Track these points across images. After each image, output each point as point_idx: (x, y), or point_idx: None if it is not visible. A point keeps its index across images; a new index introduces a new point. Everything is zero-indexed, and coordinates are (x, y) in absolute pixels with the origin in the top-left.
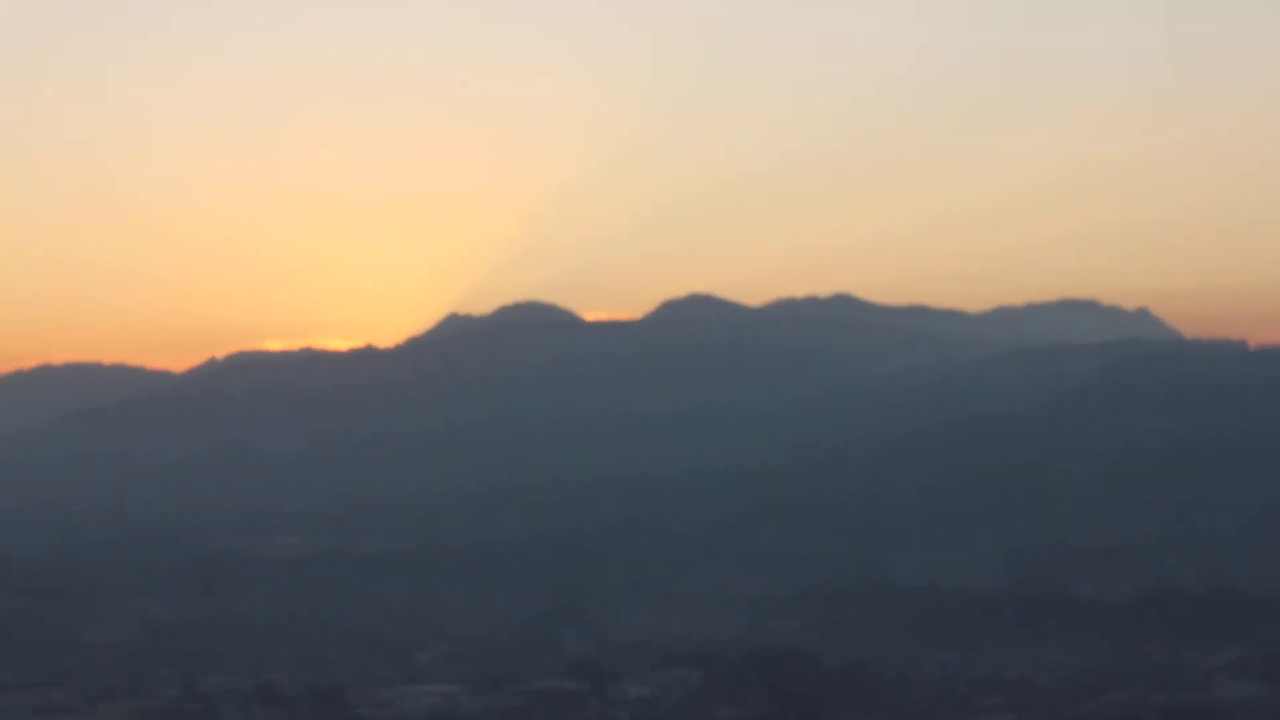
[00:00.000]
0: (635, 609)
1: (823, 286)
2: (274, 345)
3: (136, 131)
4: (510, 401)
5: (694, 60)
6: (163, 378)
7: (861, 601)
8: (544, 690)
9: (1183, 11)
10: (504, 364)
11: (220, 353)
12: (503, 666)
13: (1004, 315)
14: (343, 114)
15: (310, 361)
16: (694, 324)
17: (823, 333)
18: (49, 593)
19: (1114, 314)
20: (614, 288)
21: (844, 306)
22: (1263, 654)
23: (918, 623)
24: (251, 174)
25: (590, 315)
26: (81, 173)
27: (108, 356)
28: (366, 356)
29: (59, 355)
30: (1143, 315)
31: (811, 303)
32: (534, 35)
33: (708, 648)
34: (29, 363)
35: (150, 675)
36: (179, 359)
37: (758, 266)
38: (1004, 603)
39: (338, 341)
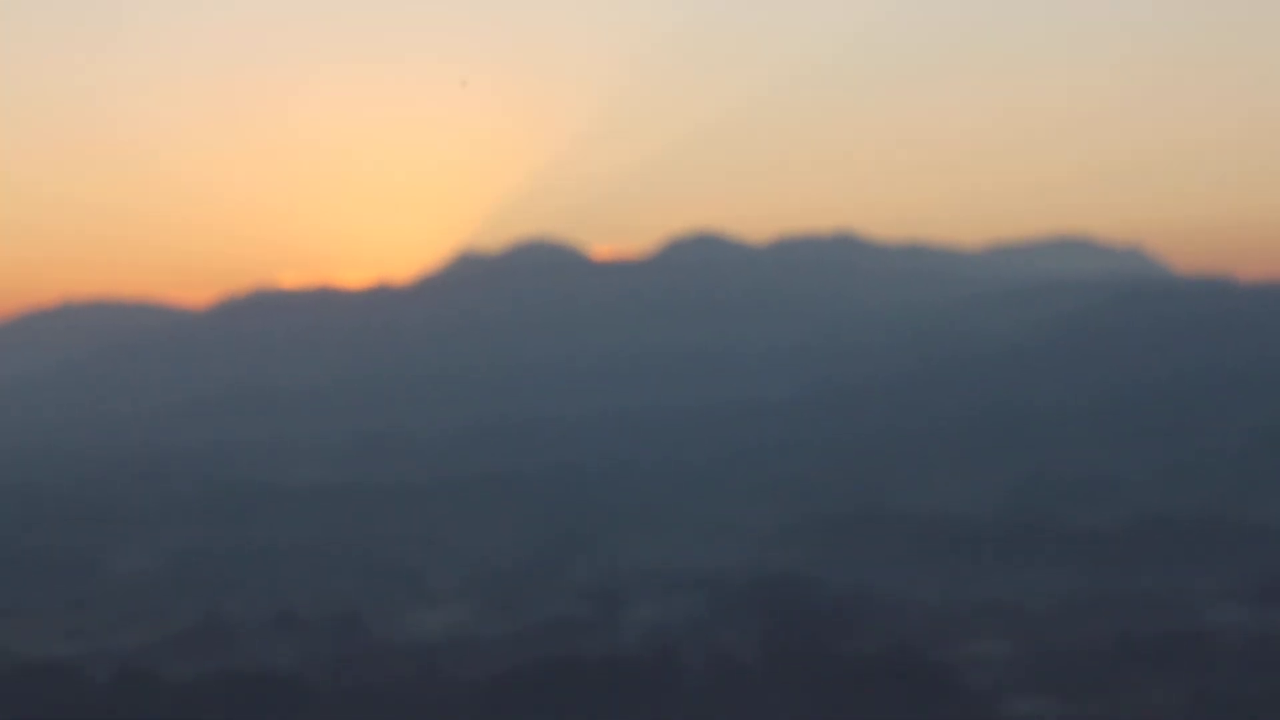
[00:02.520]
0: (643, 537)
1: (824, 221)
2: (290, 279)
3: (149, 68)
4: (520, 340)
5: (703, 2)
6: (183, 315)
7: (862, 529)
8: (555, 615)
9: None
10: (514, 304)
11: (238, 285)
12: (514, 592)
13: (999, 252)
14: (348, 40)
15: (327, 300)
16: (699, 263)
17: (824, 270)
18: (75, 523)
19: (1108, 249)
20: (622, 222)
21: (844, 245)
22: (1253, 581)
23: (917, 549)
24: (265, 109)
25: (598, 248)
26: (98, 113)
27: (129, 292)
28: (381, 295)
29: (80, 292)
30: (1135, 251)
31: (813, 242)
32: None
33: (714, 574)
34: (51, 300)
35: (173, 601)
36: (198, 292)
37: (761, 201)
38: (1000, 531)
39: (353, 273)
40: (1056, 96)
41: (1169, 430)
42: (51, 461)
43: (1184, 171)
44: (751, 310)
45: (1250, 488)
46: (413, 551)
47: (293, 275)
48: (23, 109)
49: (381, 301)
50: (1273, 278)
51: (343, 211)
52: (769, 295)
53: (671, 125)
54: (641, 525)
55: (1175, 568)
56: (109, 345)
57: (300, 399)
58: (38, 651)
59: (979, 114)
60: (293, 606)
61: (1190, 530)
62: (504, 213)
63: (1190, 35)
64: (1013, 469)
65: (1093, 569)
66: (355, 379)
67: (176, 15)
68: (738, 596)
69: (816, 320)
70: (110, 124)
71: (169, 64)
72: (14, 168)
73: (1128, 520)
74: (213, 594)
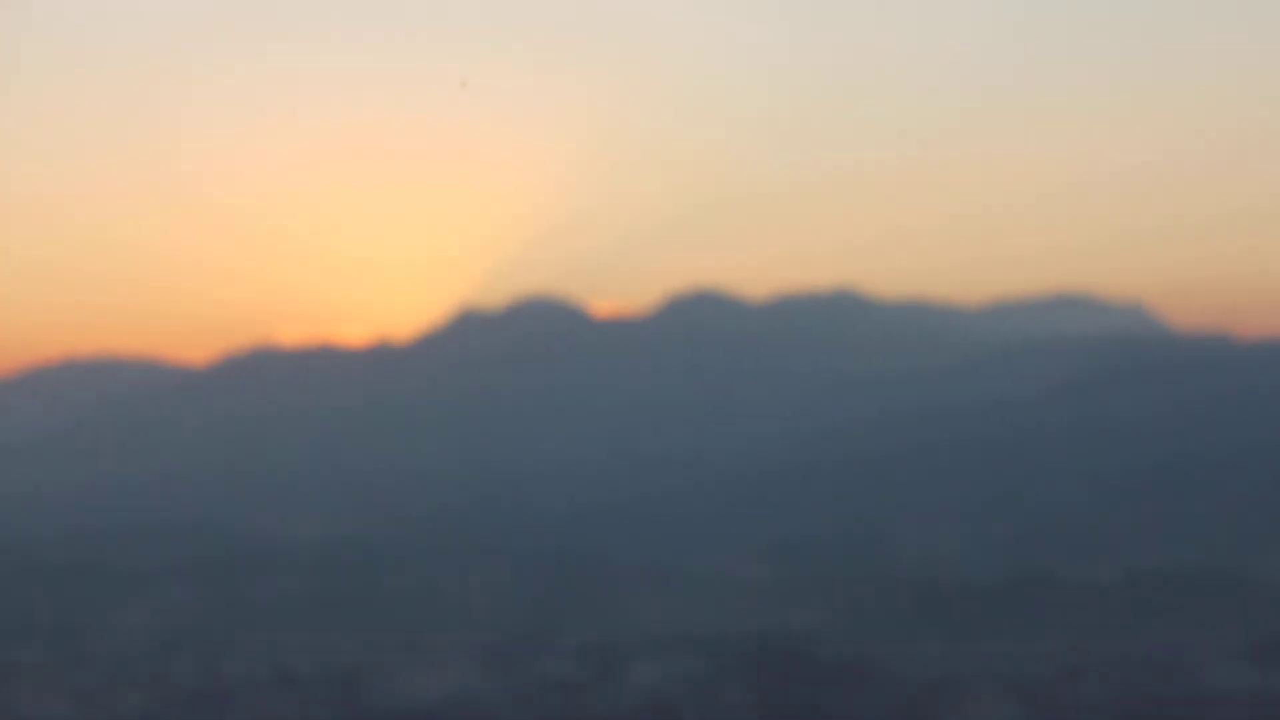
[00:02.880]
0: (642, 596)
1: (825, 278)
2: (289, 336)
3: (147, 122)
4: (521, 399)
5: (703, 58)
6: (183, 373)
7: (863, 589)
8: (554, 675)
9: (1172, 17)
10: (515, 362)
11: (237, 341)
12: (513, 652)
13: (1000, 310)
14: (353, 84)
15: (327, 357)
16: (699, 320)
17: (824, 328)
18: (72, 579)
19: (1109, 308)
20: (623, 279)
21: (845, 302)
22: (1250, 639)
23: (918, 610)
24: (266, 162)
25: (599, 305)
26: (102, 169)
27: (130, 348)
28: (382, 353)
29: (83, 348)
30: (1135, 309)
31: (814, 300)
32: (545, 31)
33: (714, 634)
34: (54, 357)
35: (172, 660)
36: (199, 349)
37: (762, 259)
38: (1001, 591)
39: (352, 328)
40: (1057, 155)
41: (1169, 487)
42: (50, 519)
43: (1184, 229)
44: (752, 368)
45: (1250, 545)
46: (412, 611)
47: (292, 332)
48: (26, 165)
49: (382, 359)
50: (1270, 334)
51: (342, 267)
52: (769, 353)
53: (673, 182)
54: (641, 584)
55: (1176, 626)
56: (110, 402)
57: (300, 458)
58: (35, 712)
59: (980, 172)
60: (292, 666)
61: (1190, 587)
62: (505, 269)
63: (1188, 95)
64: (1013, 528)
65: (1093, 628)
66: (355, 438)
67: (174, 70)
68: (738, 657)
69: (817, 378)
70: (111, 180)
71: (168, 120)
72: (17, 222)
73: (1128, 579)
74: (211, 653)
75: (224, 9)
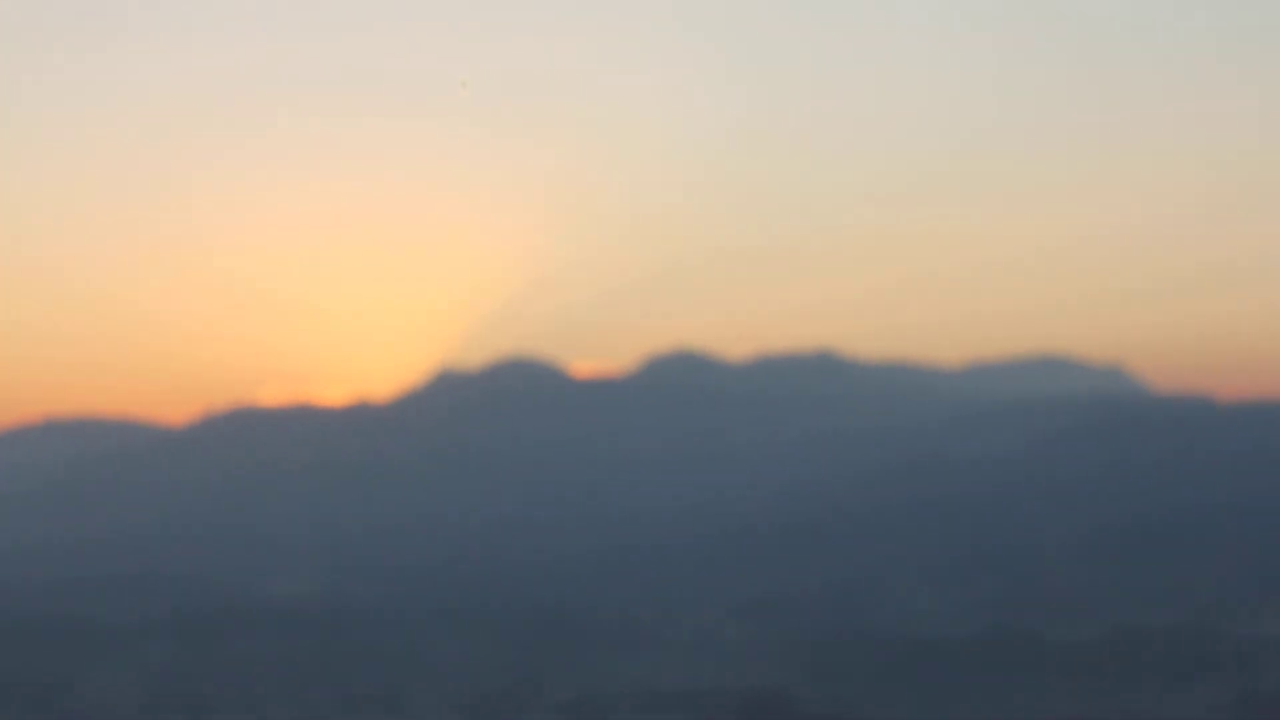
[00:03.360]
0: (625, 654)
1: (805, 339)
2: (269, 396)
3: (131, 186)
4: (498, 461)
5: (683, 120)
6: (163, 432)
7: (844, 648)
8: None
9: (1148, 81)
10: (494, 422)
11: (215, 400)
12: (495, 712)
13: (979, 370)
14: (335, 149)
15: (306, 418)
16: (679, 381)
17: (805, 389)
18: (52, 635)
19: (1087, 368)
20: (602, 340)
21: (825, 363)
22: (1234, 696)
23: (898, 669)
24: (248, 226)
25: (577, 365)
26: (82, 221)
27: (110, 408)
28: (362, 414)
29: (63, 409)
30: (1115, 370)
31: (794, 360)
32: (522, 94)
33: (696, 692)
34: (35, 417)
35: (150, 718)
36: (178, 408)
37: (741, 320)
38: (981, 651)
39: (331, 388)
40: (1036, 217)
41: (1150, 545)
42: (30, 574)
43: (1162, 290)
44: (732, 427)
45: (1232, 603)
46: (392, 672)
47: (272, 391)
48: (7, 225)
49: (362, 420)
50: (1250, 396)
51: (322, 328)
52: (750, 412)
53: (652, 243)
54: (622, 641)
55: (1159, 684)
56: (90, 462)
57: (280, 516)
58: None
59: (959, 234)
60: None
61: (1173, 645)
62: (483, 330)
63: (1169, 157)
64: (993, 586)
65: (1075, 687)
66: (335, 496)
67: (160, 134)
68: (719, 713)
69: (797, 438)
70: (92, 242)
71: (151, 182)
72: None
73: (1110, 637)
74: (192, 712)
75: (212, 79)
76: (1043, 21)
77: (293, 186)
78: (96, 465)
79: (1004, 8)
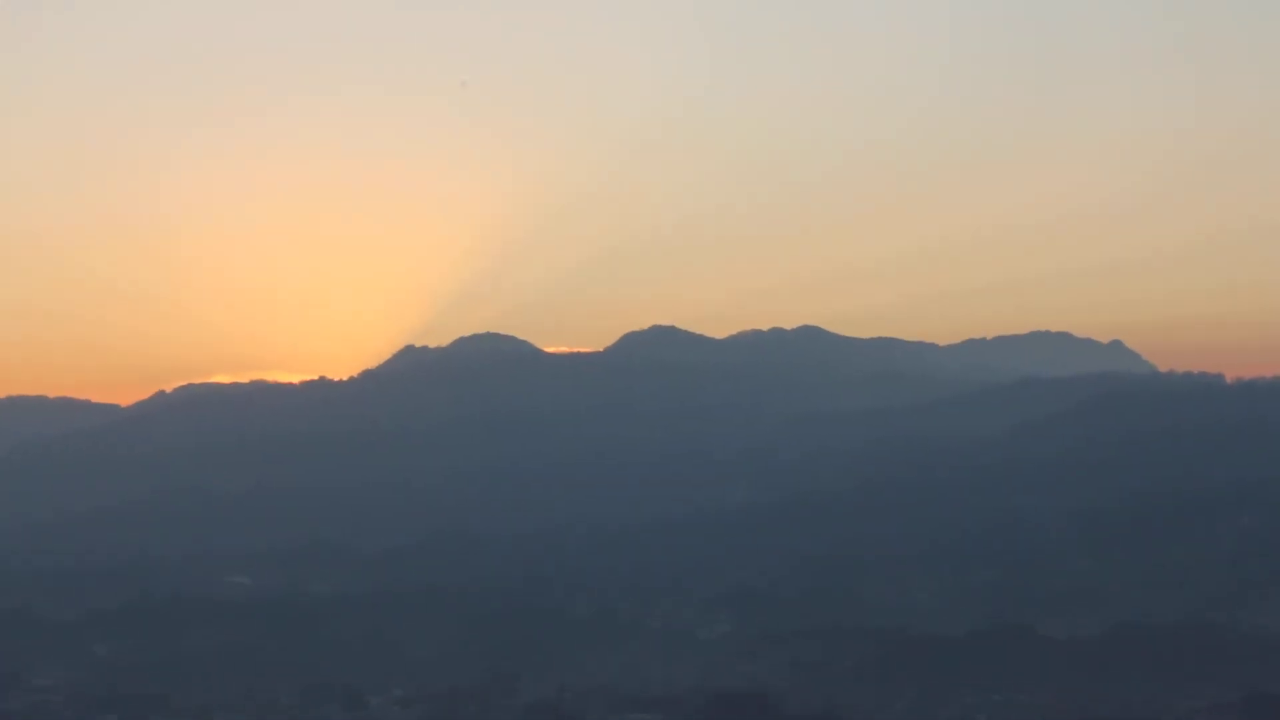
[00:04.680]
0: (595, 651)
1: (789, 319)
2: (224, 378)
3: (76, 164)
4: (468, 438)
5: (656, 92)
6: (109, 411)
7: (828, 642)
8: None
9: (1152, 51)
10: (462, 397)
11: (169, 386)
12: (460, 709)
13: (974, 348)
14: (296, 137)
15: (261, 394)
16: (657, 356)
17: (789, 365)
18: None
19: (1087, 346)
20: (575, 320)
21: (811, 338)
22: (1242, 695)
23: (885, 663)
24: (205, 203)
25: (551, 348)
26: (28, 207)
27: (53, 390)
28: (319, 389)
29: (2, 389)
30: (1116, 347)
31: (778, 334)
32: (494, 69)
33: (670, 690)
34: None
35: (96, 718)
36: (127, 393)
37: (722, 299)
38: (973, 642)
39: (290, 374)
40: (1034, 196)
41: (1152, 535)
42: None
43: (1165, 268)
44: (712, 408)
45: (1237, 595)
46: (350, 665)
47: (228, 373)
48: None
49: (319, 396)
50: (1260, 376)
51: (282, 309)
52: (730, 392)
53: (630, 220)
54: (594, 638)
55: (1159, 678)
56: (31, 443)
57: (232, 502)
58: None
59: (955, 212)
60: None
61: (1174, 640)
62: (451, 308)
63: (1172, 135)
64: (988, 578)
65: (1072, 681)
66: (290, 479)
67: (116, 111)
68: (699, 713)
69: (779, 417)
70: (42, 220)
71: (103, 160)
72: None
73: (1108, 630)
74: (138, 709)
75: (174, 60)
76: None
77: (255, 168)
78: (37, 447)
79: None
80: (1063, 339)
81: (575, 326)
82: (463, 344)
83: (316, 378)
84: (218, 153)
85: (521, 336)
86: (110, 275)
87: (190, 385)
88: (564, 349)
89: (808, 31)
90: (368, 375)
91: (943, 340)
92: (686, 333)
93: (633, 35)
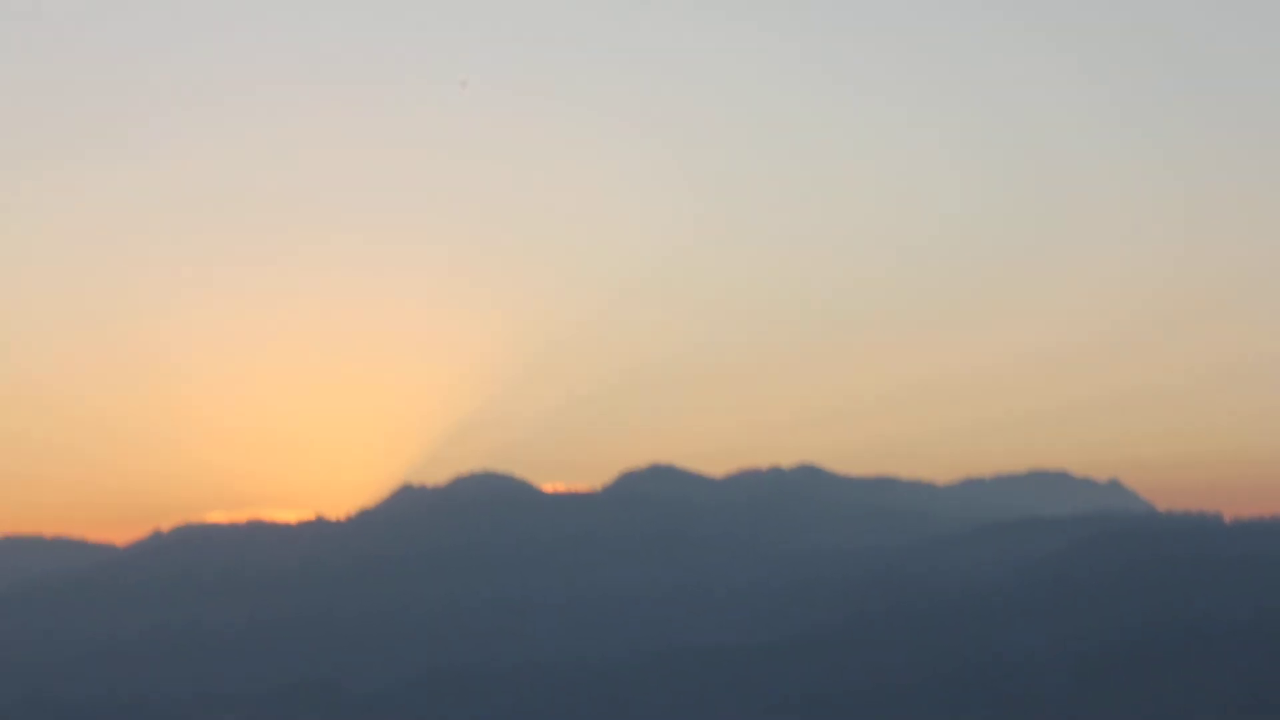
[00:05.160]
0: None
1: (787, 457)
2: (220, 516)
3: (75, 305)
4: (465, 577)
5: (654, 231)
6: (105, 551)
7: None
8: None
9: (1147, 187)
10: (459, 538)
11: (165, 524)
12: None
13: (973, 487)
14: (292, 277)
15: (257, 534)
16: (655, 495)
17: (787, 504)
18: None
19: (1085, 485)
20: (572, 458)
21: (809, 477)
22: None
23: None
24: (196, 341)
25: (548, 486)
26: (22, 348)
27: (49, 529)
28: (316, 529)
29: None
30: (1114, 486)
31: (776, 474)
32: (486, 206)
33: None
34: None
35: None
36: (123, 532)
37: (719, 437)
38: None
39: (286, 513)
40: (1033, 336)
41: (1150, 674)
42: None
43: (1162, 407)
44: (710, 546)
45: None
46: None
47: (224, 512)
48: None
49: (315, 536)
50: (1260, 515)
51: (276, 448)
52: (728, 530)
53: (624, 357)
54: None
55: None
56: (26, 582)
57: (226, 642)
58: None
59: (953, 351)
60: None
61: None
62: (446, 446)
63: (1167, 271)
64: (984, 716)
65: None
66: (285, 621)
67: (114, 252)
68: None
69: (778, 557)
70: (32, 362)
71: (101, 301)
72: None
73: None
74: None
75: (171, 198)
76: (1025, 126)
77: (250, 309)
78: (31, 587)
79: (983, 115)
80: (1060, 478)
81: (572, 463)
82: (460, 483)
83: (313, 517)
84: (214, 294)
85: (519, 474)
86: (106, 415)
87: (187, 524)
88: (561, 487)
89: (804, 169)
90: (364, 515)
91: (941, 479)
92: (684, 471)
93: (626, 176)
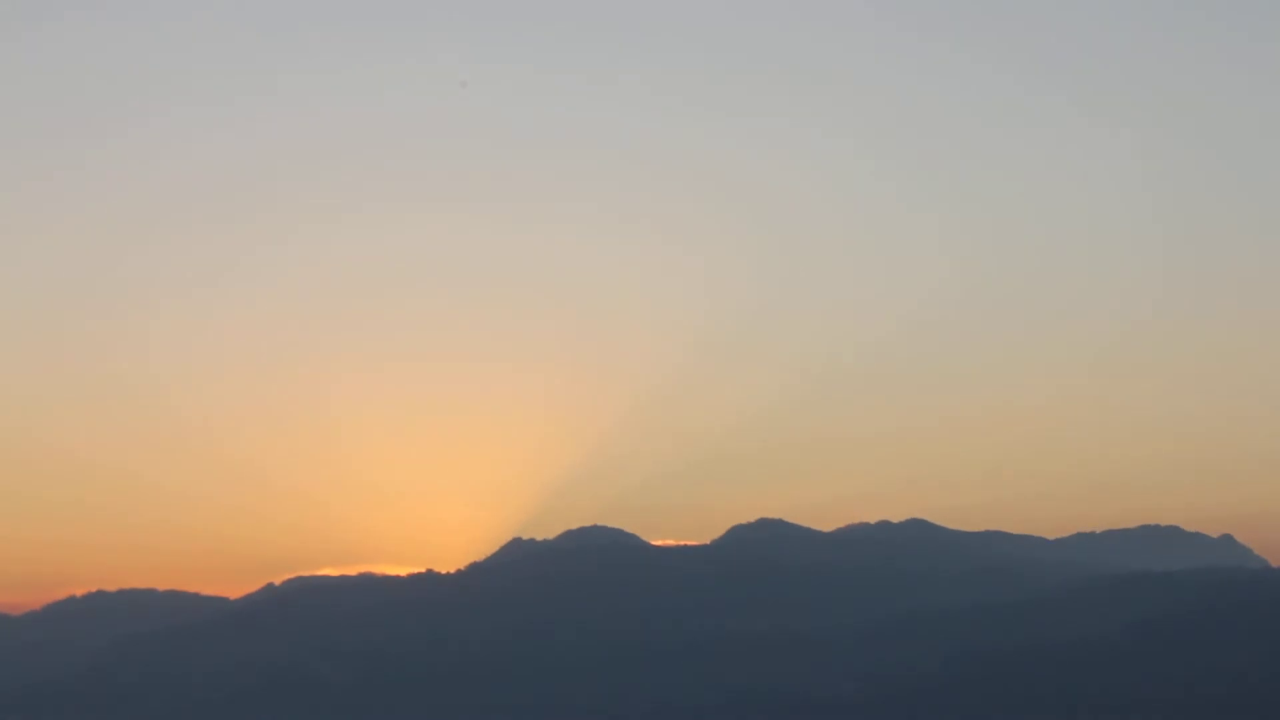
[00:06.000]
0: None
1: (896, 512)
2: (332, 571)
3: (187, 359)
4: (575, 627)
5: (761, 285)
6: (218, 604)
7: None
8: None
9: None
10: (570, 589)
11: (277, 579)
12: None
13: (1084, 541)
14: (401, 334)
15: (369, 587)
16: (765, 549)
17: (897, 558)
18: None
19: (1197, 540)
20: (681, 513)
21: (918, 532)
22: None
23: None
24: (303, 397)
25: (657, 540)
26: (132, 402)
27: (162, 583)
28: (426, 581)
29: (113, 582)
30: (1227, 541)
31: (885, 527)
32: (597, 260)
33: None
34: (82, 589)
35: None
36: (235, 586)
37: (828, 492)
38: None
39: (397, 568)
40: (1149, 390)
41: None
42: None
43: (1275, 461)
44: (818, 599)
45: None
46: None
47: (336, 567)
48: (61, 381)
49: (426, 588)
50: None
51: (388, 504)
52: (838, 583)
53: (738, 415)
54: None
55: None
56: (139, 634)
57: (336, 692)
58: None
59: (1057, 404)
60: None
61: None
62: (557, 501)
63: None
64: None
65: None
66: (396, 670)
67: (209, 311)
68: None
69: (888, 609)
70: (144, 415)
71: (205, 356)
72: (47, 452)
73: None
74: None
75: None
76: (1140, 181)
77: (365, 365)
78: (151, 639)
79: (1076, 164)
80: (1172, 533)
81: (681, 519)
82: (569, 536)
83: (424, 570)
84: (330, 352)
85: (628, 529)
86: (219, 471)
87: (298, 578)
88: (671, 542)
89: (914, 223)
90: (475, 568)
91: (1051, 533)
92: (793, 525)
93: (732, 228)
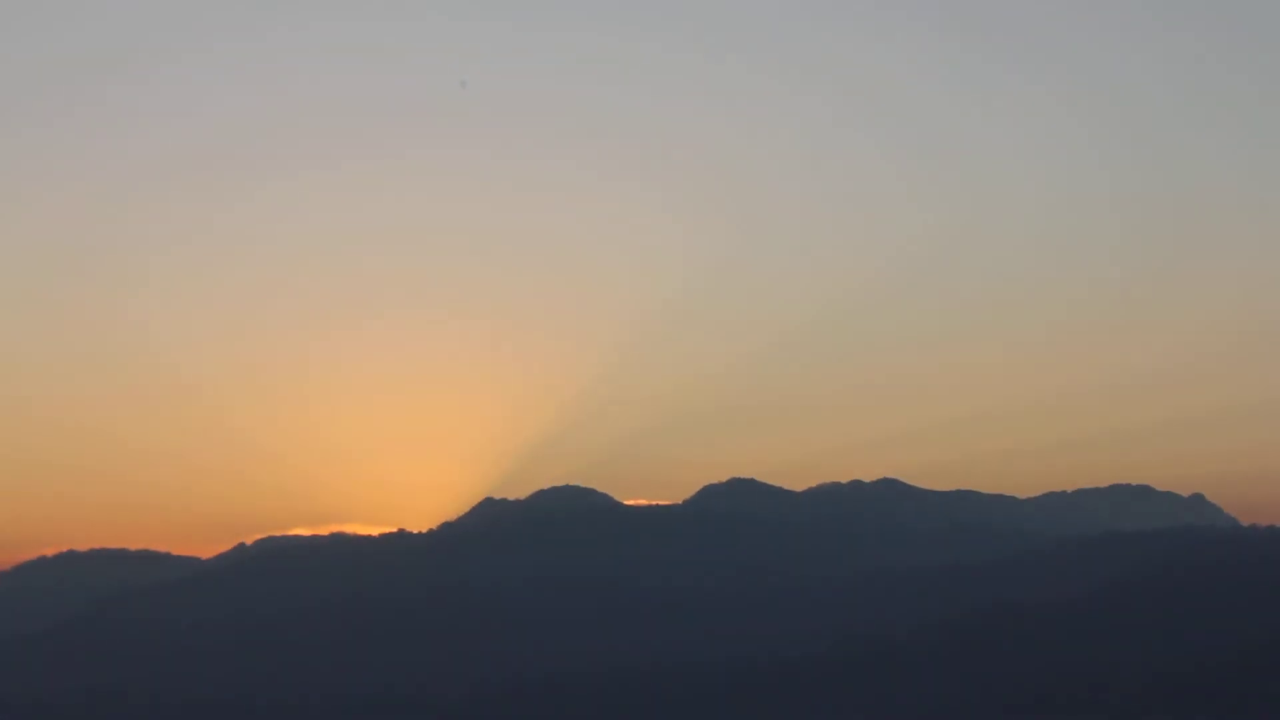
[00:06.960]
0: None
1: (868, 471)
2: (304, 530)
3: (159, 318)
4: (546, 588)
5: (731, 244)
6: (190, 563)
7: None
8: None
9: (1235, 206)
10: (541, 549)
11: (249, 539)
12: None
13: (1055, 501)
14: (373, 294)
15: (340, 546)
16: (736, 508)
17: (868, 517)
18: None
19: (1169, 499)
20: (653, 473)
21: (889, 491)
22: None
23: None
24: (276, 357)
25: (629, 500)
26: (104, 361)
27: (134, 543)
28: (398, 541)
29: (84, 541)
30: (1198, 501)
31: (856, 486)
32: (569, 221)
33: None
34: (53, 549)
35: None
36: (207, 546)
37: (800, 451)
38: None
39: (369, 528)
40: (1114, 352)
41: (1235, 695)
42: (50, 716)
43: (1247, 421)
44: (790, 558)
45: None
46: None
47: (307, 526)
48: (31, 342)
49: (398, 548)
50: None
51: (359, 464)
52: (808, 542)
53: (709, 375)
54: None
55: None
56: (111, 594)
57: (308, 651)
58: None
59: (1034, 368)
60: None
61: None
62: (529, 461)
63: (1255, 291)
64: None
65: None
66: (366, 630)
67: (180, 268)
68: None
69: (858, 568)
70: (117, 375)
71: (177, 316)
72: (17, 412)
73: None
74: None
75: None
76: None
77: (338, 327)
78: (116, 598)
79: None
80: (1143, 491)
81: (653, 479)
82: (542, 496)
83: (395, 530)
84: (300, 314)
85: (600, 489)
86: (192, 432)
87: (270, 538)
88: (643, 501)
89: (896, 183)
90: (447, 528)
91: (1022, 493)
92: (765, 485)
93: (710, 188)
